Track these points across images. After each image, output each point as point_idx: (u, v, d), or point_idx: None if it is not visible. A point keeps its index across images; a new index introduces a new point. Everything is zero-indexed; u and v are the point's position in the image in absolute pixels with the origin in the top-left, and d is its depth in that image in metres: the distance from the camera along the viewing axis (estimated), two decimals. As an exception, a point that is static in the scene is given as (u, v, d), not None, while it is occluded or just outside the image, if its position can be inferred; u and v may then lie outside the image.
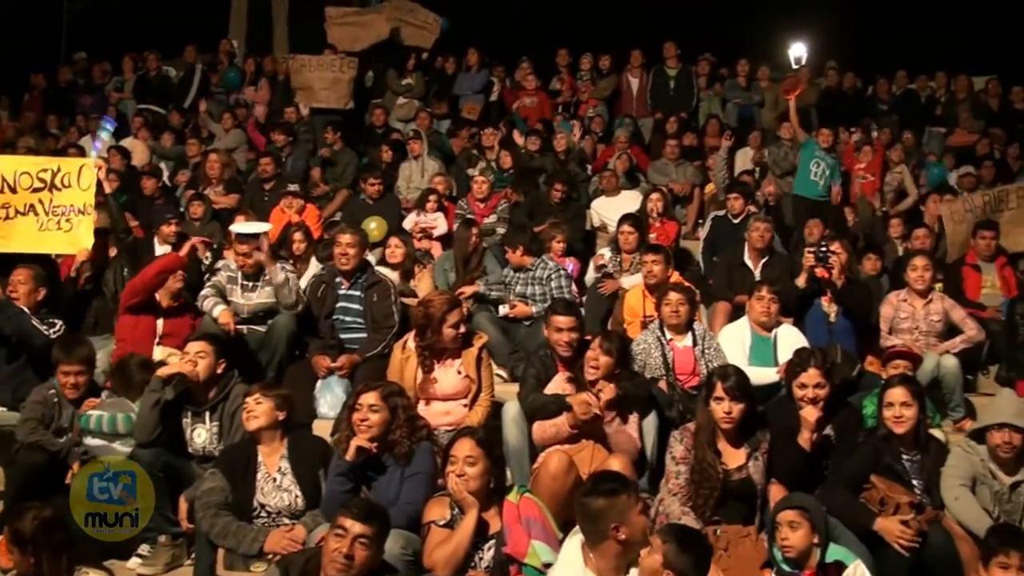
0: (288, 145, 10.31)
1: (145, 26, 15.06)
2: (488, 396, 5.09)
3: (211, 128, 11.41)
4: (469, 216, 8.29)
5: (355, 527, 3.26)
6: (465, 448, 3.93)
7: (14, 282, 5.78)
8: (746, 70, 12.00)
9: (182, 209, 8.55)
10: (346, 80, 11.33)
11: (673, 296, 5.60)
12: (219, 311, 5.80)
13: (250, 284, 6.06)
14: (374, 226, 8.04)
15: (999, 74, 12.07)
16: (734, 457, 4.32)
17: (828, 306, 6.11)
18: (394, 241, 7.23)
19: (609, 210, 8.84)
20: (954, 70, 12.19)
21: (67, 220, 6.45)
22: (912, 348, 5.81)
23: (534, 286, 6.74)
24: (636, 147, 10.66)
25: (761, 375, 5.36)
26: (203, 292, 5.99)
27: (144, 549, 4.51)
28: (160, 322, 6.00)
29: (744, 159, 10.53)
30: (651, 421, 4.87)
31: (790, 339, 5.65)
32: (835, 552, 3.84)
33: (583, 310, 5.95)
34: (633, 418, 4.79)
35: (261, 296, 6.04)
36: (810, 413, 4.56)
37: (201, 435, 4.76)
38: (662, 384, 5.31)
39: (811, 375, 4.67)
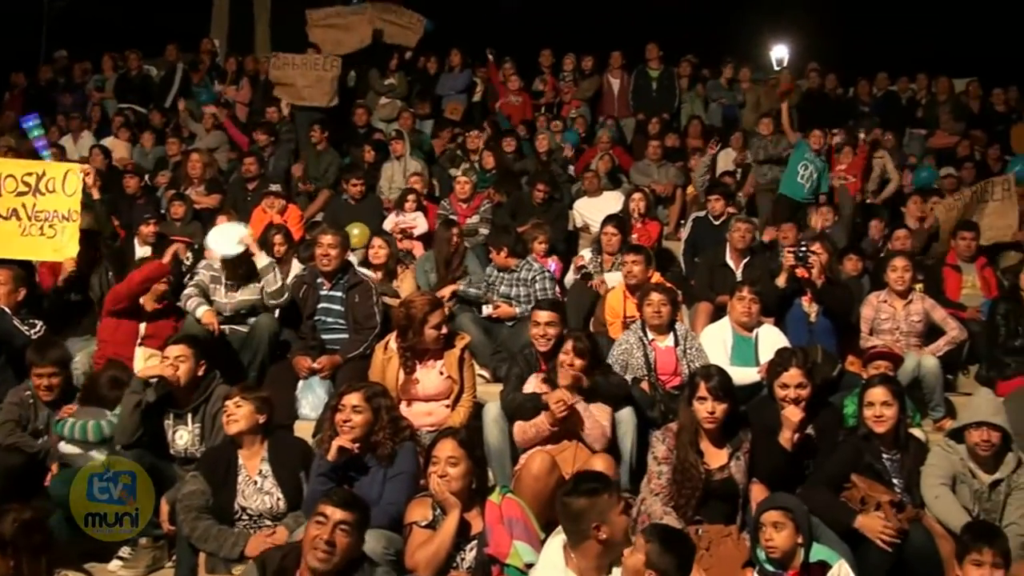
0: (270, 145, 10.24)
1: (126, 25, 15.00)
2: (470, 397, 5.09)
3: (192, 128, 11.33)
4: (451, 216, 8.28)
5: (336, 513, 3.26)
6: (447, 449, 3.93)
7: (-6, 283, 5.72)
8: (729, 71, 12.02)
9: (163, 210, 8.48)
10: (329, 78, 11.23)
11: (655, 296, 5.61)
12: (202, 311, 5.78)
13: (233, 283, 6.03)
14: (356, 232, 7.99)
15: (980, 76, 12.11)
16: (716, 457, 4.33)
17: (808, 306, 6.12)
18: (377, 242, 7.23)
19: (591, 211, 8.86)
20: (935, 72, 12.22)
21: (50, 226, 6.34)
22: (893, 349, 5.84)
23: (519, 287, 6.74)
24: (618, 148, 10.68)
25: (742, 375, 5.35)
26: (186, 291, 5.97)
27: (125, 551, 4.48)
28: (143, 325, 5.94)
29: (726, 160, 10.55)
30: (629, 419, 4.86)
31: (771, 339, 5.66)
32: (819, 552, 3.86)
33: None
34: (602, 407, 4.77)
35: (244, 294, 6.02)
36: (792, 413, 4.56)
37: (183, 437, 4.73)
38: (644, 384, 5.31)
39: (793, 375, 4.69)
